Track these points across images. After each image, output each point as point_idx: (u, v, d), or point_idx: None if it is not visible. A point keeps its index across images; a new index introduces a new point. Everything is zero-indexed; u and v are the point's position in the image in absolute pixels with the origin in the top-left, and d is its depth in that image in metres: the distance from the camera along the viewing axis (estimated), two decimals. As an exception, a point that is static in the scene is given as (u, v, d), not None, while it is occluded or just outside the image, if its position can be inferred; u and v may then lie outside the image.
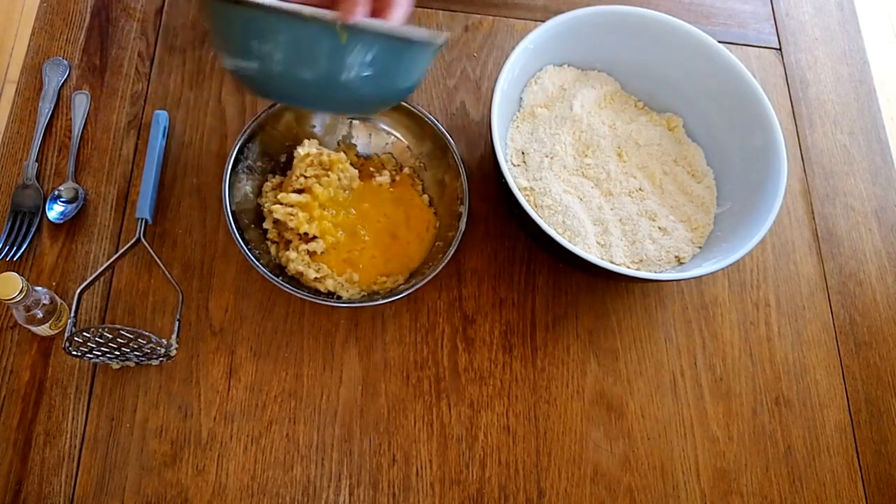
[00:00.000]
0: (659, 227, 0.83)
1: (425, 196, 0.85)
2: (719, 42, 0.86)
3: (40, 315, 0.71)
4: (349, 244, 0.81)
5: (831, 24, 1.09)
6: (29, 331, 0.75)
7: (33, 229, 0.79)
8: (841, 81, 1.04)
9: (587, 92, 0.89)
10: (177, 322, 0.73)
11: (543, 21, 0.84)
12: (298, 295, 0.74)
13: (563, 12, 0.85)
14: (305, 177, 0.81)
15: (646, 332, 0.85)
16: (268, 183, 0.83)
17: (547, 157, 0.84)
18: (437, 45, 0.59)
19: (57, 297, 0.74)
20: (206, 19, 0.71)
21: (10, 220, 0.79)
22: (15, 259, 0.78)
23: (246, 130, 0.79)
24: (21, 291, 0.66)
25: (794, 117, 1.01)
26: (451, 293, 0.83)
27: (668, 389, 0.83)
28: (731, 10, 1.07)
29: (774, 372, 0.85)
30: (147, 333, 0.68)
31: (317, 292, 0.78)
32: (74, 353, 0.70)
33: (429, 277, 0.76)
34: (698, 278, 0.88)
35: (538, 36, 0.83)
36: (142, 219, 0.79)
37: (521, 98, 0.88)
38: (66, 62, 0.87)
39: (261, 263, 0.74)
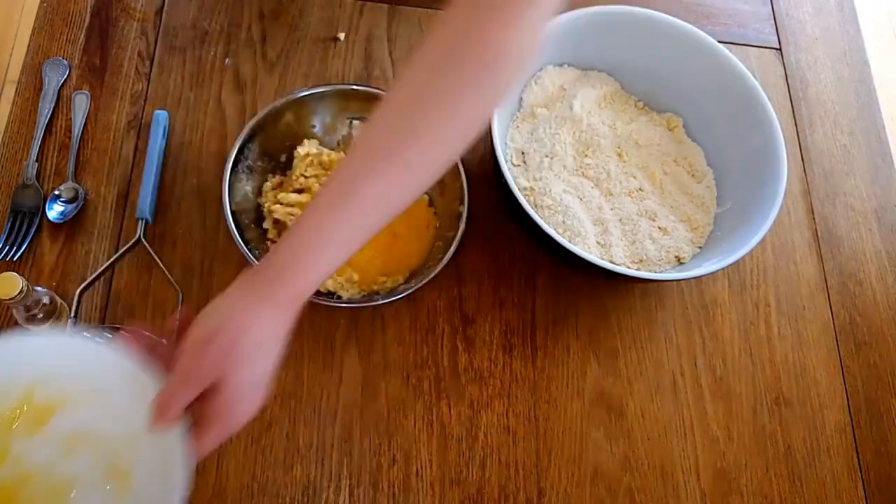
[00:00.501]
0: (659, 227, 0.83)
1: (425, 196, 0.85)
2: (719, 42, 0.86)
3: (40, 315, 0.71)
4: None
5: (831, 24, 1.08)
6: (29, 331, 0.75)
7: (33, 229, 0.79)
8: (841, 81, 1.04)
9: (587, 92, 0.89)
10: (177, 322, 0.73)
11: (543, 21, 0.84)
12: None
13: (563, 12, 0.84)
14: (305, 176, 0.81)
15: (646, 332, 0.85)
16: (268, 183, 0.83)
17: (547, 157, 0.84)
18: None
19: (57, 297, 0.74)
20: None
21: (10, 220, 0.79)
22: (15, 259, 0.78)
23: (246, 130, 0.79)
24: (21, 291, 0.66)
25: (794, 117, 1.00)
26: (451, 293, 0.83)
27: (668, 389, 0.83)
28: (731, 10, 1.07)
29: (774, 372, 0.85)
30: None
31: (317, 292, 0.78)
32: (74, 353, 0.70)
33: (429, 277, 0.76)
34: (698, 278, 0.88)
35: (538, 36, 0.83)
36: (142, 219, 0.79)
37: (521, 98, 0.88)
38: (66, 62, 0.87)
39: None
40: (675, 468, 0.79)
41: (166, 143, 0.85)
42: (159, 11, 0.92)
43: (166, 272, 0.75)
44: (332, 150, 0.85)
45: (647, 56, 0.89)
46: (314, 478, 0.74)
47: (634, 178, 0.85)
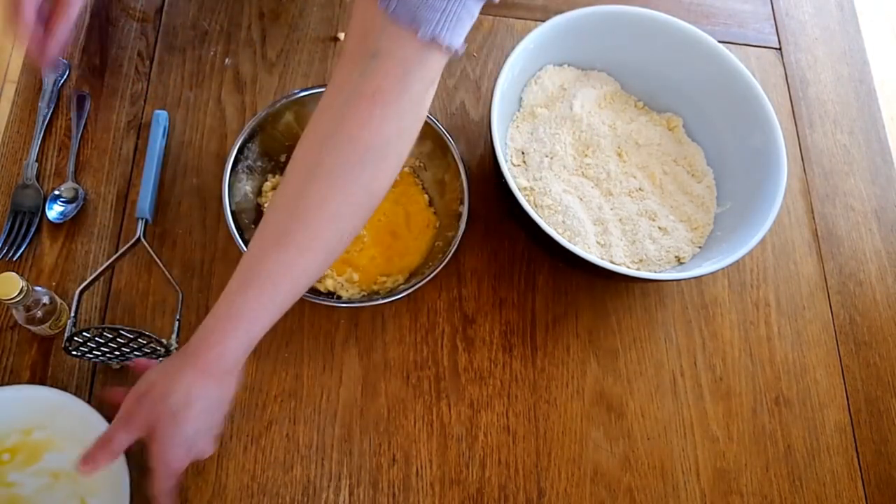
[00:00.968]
0: (659, 227, 0.83)
1: (425, 196, 0.85)
2: (719, 42, 0.86)
3: (40, 315, 0.71)
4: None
5: (831, 24, 1.09)
6: (29, 331, 0.75)
7: (33, 229, 0.79)
8: (841, 81, 1.04)
9: (587, 92, 0.89)
10: (177, 322, 0.73)
11: (543, 21, 0.84)
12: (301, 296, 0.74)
13: (563, 12, 0.84)
14: None
15: (646, 332, 0.85)
16: (268, 183, 0.83)
17: (547, 156, 0.84)
18: None
19: (57, 297, 0.74)
20: None
21: (10, 220, 0.79)
22: (15, 259, 0.78)
23: (246, 130, 0.79)
24: (21, 291, 0.66)
25: (794, 117, 1.00)
26: (451, 293, 0.83)
27: (668, 389, 0.83)
28: (731, 10, 1.07)
29: (774, 372, 0.85)
30: (147, 333, 0.68)
31: (316, 292, 0.78)
32: (74, 353, 0.70)
33: (428, 277, 0.76)
34: (698, 278, 0.88)
35: (538, 36, 0.83)
36: (142, 219, 0.79)
37: (521, 98, 0.88)
38: (65, 62, 0.87)
39: None
40: (675, 468, 0.79)
41: (166, 143, 0.85)
42: (159, 11, 0.92)
43: (166, 272, 0.75)
44: None
45: (647, 56, 0.89)
46: (314, 478, 0.74)
47: (634, 177, 0.85)
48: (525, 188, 0.82)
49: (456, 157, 0.81)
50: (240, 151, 0.79)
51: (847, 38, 1.08)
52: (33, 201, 0.80)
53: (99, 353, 0.71)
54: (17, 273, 0.66)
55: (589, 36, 0.88)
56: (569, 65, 0.91)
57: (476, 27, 0.98)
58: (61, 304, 0.74)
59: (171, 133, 0.86)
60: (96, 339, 0.69)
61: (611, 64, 0.91)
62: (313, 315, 0.80)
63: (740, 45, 1.04)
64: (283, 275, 0.60)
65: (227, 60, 0.91)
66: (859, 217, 0.95)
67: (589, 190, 0.83)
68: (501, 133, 0.82)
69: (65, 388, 0.72)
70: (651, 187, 0.86)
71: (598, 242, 0.81)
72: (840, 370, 0.87)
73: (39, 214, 0.80)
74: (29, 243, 0.79)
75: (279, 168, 0.84)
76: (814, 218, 0.94)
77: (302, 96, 0.82)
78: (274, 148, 0.83)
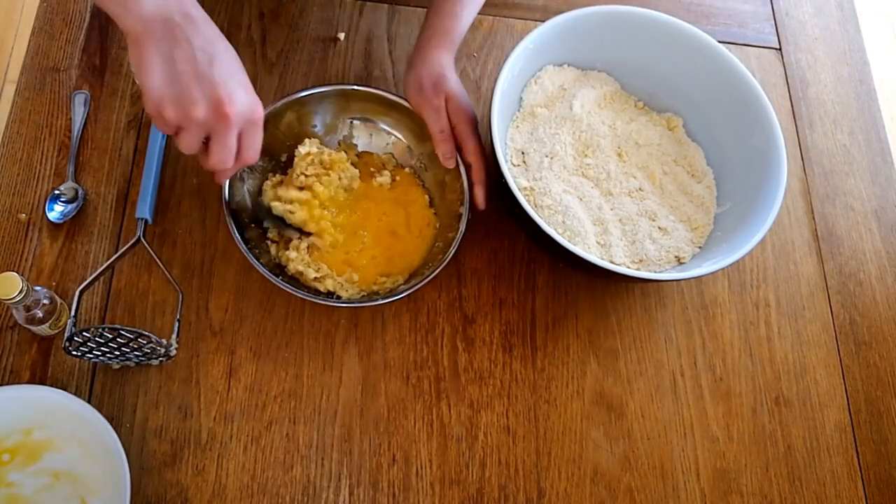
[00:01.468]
0: (659, 227, 0.83)
1: (426, 196, 0.85)
2: (719, 42, 0.86)
3: (40, 315, 0.71)
4: (348, 244, 0.81)
5: (831, 24, 1.09)
6: (29, 331, 0.75)
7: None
8: (841, 81, 1.04)
9: (587, 92, 0.89)
10: (177, 322, 0.73)
11: (543, 21, 0.84)
12: (298, 294, 0.74)
13: (563, 12, 0.84)
14: (306, 175, 0.81)
15: (646, 332, 0.85)
16: (268, 182, 0.83)
17: (547, 157, 0.84)
18: None
19: (57, 297, 0.74)
20: None
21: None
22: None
23: (246, 130, 0.79)
24: (21, 291, 0.66)
25: (794, 117, 1.01)
26: (451, 293, 0.83)
27: (668, 389, 0.83)
28: (731, 10, 1.07)
29: (774, 372, 0.85)
30: (147, 333, 0.68)
31: (317, 292, 0.78)
32: (74, 353, 0.70)
33: (429, 278, 0.76)
34: (698, 278, 0.88)
35: (538, 36, 0.83)
36: (142, 219, 0.79)
37: (521, 98, 0.88)
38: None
39: (261, 263, 0.74)
40: (674, 468, 0.79)
41: (166, 143, 0.84)
42: (159, 11, 0.92)
43: (166, 272, 0.75)
44: (333, 149, 0.85)
45: (647, 56, 0.89)
46: (314, 478, 0.74)
47: (634, 178, 0.85)
48: (525, 188, 0.82)
49: (457, 157, 0.81)
50: (240, 151, 0.79)
51: (847, 38, 1.08)
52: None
53: (99, 353, 0.71)
54: (17, 273, 0.67)
55: (589, 36, 0.88)
56: (569, 65, 0.91)
57: (476, 27, 0.98)
58: (61, 304, 0.74)
59: (171, 133, 0.86)
60: (96, 339, 0.69)
61: (611, 64, 0.91)
62: (313, 315, 0.80)
63: (740, 45, 1.04)
64: None
65: None
66: (859, 217, 0.95)
67: (589, 190, 0.83)
68: (501, 133, 0.82)
69: (65, 388, 0.72)
70: (651, 187, 0.86)
71: (598, 242, 0.81)
72: (840, 370, 0.87)
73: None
74: (29, 243, 0.79)
75: (279, 167, 0.84)
76: (814, 218, 0.94)
77: (302, 96, 0.82)
78: (275, 147, 0.83)
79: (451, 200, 0.82)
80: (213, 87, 0.57)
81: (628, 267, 0.80)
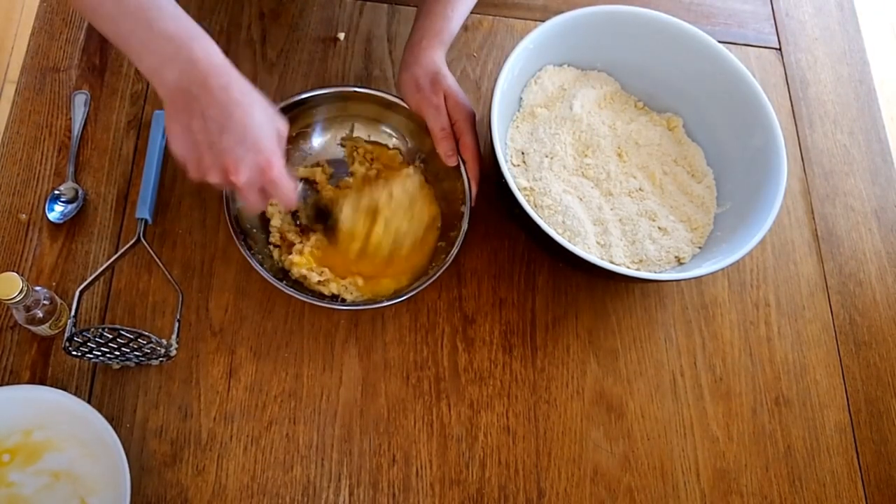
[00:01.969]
0: (659, 227, 0.83)
1: (431, 197, 0.84)
2: (719, 42, 0.86)
3: (40, 315, 0.71)
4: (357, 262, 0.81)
5: (831, 24, 1.09)
6: (29, 331, 0.75)
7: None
8: (841, 81, 1.04)
9: (587, 92, 0.89)
10: (177, 322, 0.73)
11: (543, 21, 0.84)
12: (301, 298, 0.74)
13: (563, 12, 0.84)
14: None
15: (646, 332, 0.85)
16: None
17: (547, 157, 0.84)
18: None
19: (57, 297, 0.74)
20: None
21: None
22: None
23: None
24: (21, 291, 0.66)
25: (794, 117, 1.01)
26: (451, 293, 0.83)
27: (668, 389, 0.83)
28: (731, 10, 1.07)
29: (774, 372, 0.85)
30: (147, 333, 0.68)
31: (321, 295, 0.78)
32: (74, 353, 0.70)
33: (432, 279, 0.76)
34: (698, 278, 0.88)
35: (538, 36, 0.83)
36: (142, 219, 0.79)
37: (521, 98, 0.88)
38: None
39: (264, 268, 0.74)
40: (674, 468, 0.79)
41: (166, 143, 0.84)
42: (159, 11, 0.92)
43: (166, 272, 0.75)
44: (337, 144, 0.85)
45: (647, 56, 0.89)
46: (314, 478, 0.74)
47: (634, 178, 0.85)
48: (525, 188, 0.82)
49: (459, 156, 0.81)
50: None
51: (847, 38, 1.08)
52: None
53: (99, 353, 0.71)
54: (17, 273, 0.67)
55: (589, 36, 0.88)
56: (569, 65, 0.91)
57: (476, 27, 0.98)
58: (61, 304, 0.74)
59: (171, 133, 0.86)
60: (96, 339, 0.69)
61: (611, 64, 0.91)
62: (313, 315, 0.80)
63: (740, 45, 1.04)
64: None
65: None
66: (859, 217, 0.95)
67: (589, 190, 0.83)
68: (501, 133, 0.82)
69: (65, 388, 0.72)
70: (651, 188, 0.86)
71: (598, 243, 0.81)
72: (840, 370, 0.87)
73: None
74: (29, 243, 0.79)
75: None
76: (814, 218, 0.94)
77: (303, 98, 0.81)
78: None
79: (453, 200, 0.82)
80: (222, 155, 0.61)
81: (628, 267, 0.80)
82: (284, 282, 0.76)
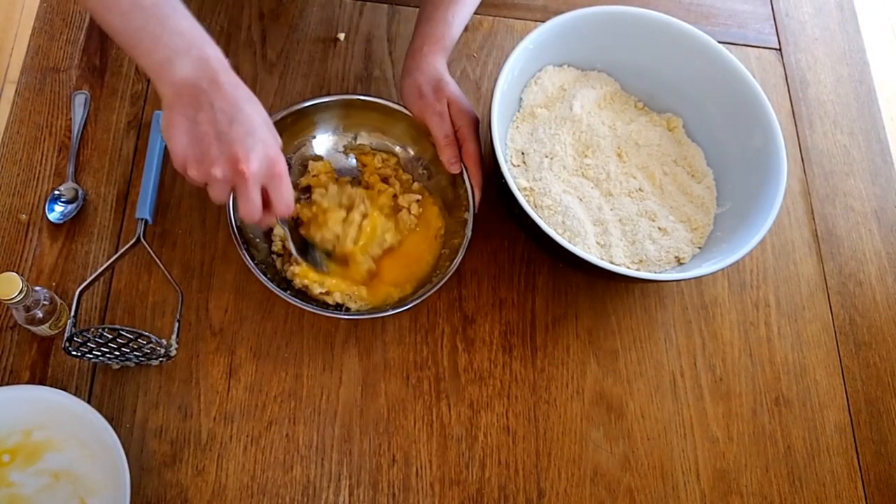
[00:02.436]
0: (659, 228, 0.83)
1: (436, 207, 0.84)
2: (719, 42, 0.86)
3: (40, 315, 0.71)
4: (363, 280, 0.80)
5: (831, 24, 1.09)
6: (29, 331, 0.75)
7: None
8: (841, 81, 1.04)
9: (587, 92, 0.89)
10: (177, 322, 0.73)
11: (543, 21, 0.84)
12: (306, 308, 0.74)
13: (563, 12, 0.84)
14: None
15: (646, 333, 0.85)
16: None
17: (547, 157, 0.84)
18: None
19: (57, 297, 0.74)
20: None
21: None
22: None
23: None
24: (21, 291, 0.66)
25: (794, 117, 1.01)
26: (451, 293, 0.83)
27: (668, 389, 0.83)
28: (731, 10, 1.07)
29: (774, 372, 0.85)
30: (147, 333, 0.68)
31: (325, 305, 0.78)
32: (74, 353, 0.70)
33: (436, 287, 0.75)
34: (698, 278, 0.88)
35: (538, 36, 0.83)
36: (142, 219, 0.79)
37: (520, 98, 0.88)
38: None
39: (266, 277, 0.74)
40: (674, 468, 0.79)
41: (166, 143, 0.84)
42: (159, 11, 0.92)
43: (166, 272, 0.75)
44: (340, 152, 0.85)
45: (647, 56, 0.89)
46: (314, 478, 0.74)
47: (634, 178, 0.85)
48: (525, 188, 0.82)
49: (462, 163, 0.80)
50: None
51: (847, 39, 1.08)
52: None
53: (99, 354, 0.71)
54: (17, 273, 0.67)
55: (589, 36, 0.88)
56: (569, 65, 0.91)
57: (476, 27, 0.98)
58: (61, 304, 0.74)
59: (171, 133, 0.86)
60: (96, 339, 0.69)
61: (611, 64, 0.91)
62: (313, 316, 0.80)
63: (740, 46, 1.04)
64: None
65: (227, 61, 0.90)
66: (859, 217, 0.95)
67: (589, 190, 0.83)
68: (501, 133, 0.82)
69: (65, 389, 0.72)
70: (651, 188, 0.86)
71: (598, 243, 0.81)
72: (840, 371, 0.87)
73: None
74: (29, 243, 0.79)
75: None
76: (814, 218, 0.94)
77: (304, 107, 0.81)
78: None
79: (456, 207, 0.82)
80: (231, 145, 0.60)
81: (628, 267, 0.80)
82: (288, 291, 0.75)
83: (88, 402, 0.72)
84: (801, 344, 0.87)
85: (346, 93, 0.90)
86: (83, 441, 0.70)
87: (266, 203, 0.65)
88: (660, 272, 0.81)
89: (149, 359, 0.74)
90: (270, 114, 0.78)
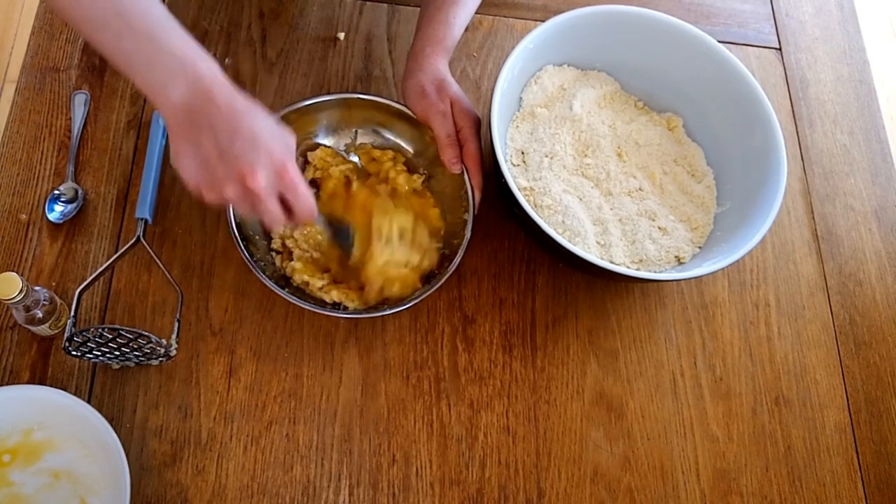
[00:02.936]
0: (659, 227, 0.83)
1: (436, 208, 0.83)
2: (719, 42, 0.86)
3: (40, 315, 0.71)
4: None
5: (831, 24, 1.09)
6: (29, 331, 0.75)
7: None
8: (841, 81, 1.04)
9: (587, 92, 0.89)
10: (176, 322, 0.73)
11: (543, 21, 0.84)
12: (304, 307, 0.74)
13: (563, 12, 0.84)
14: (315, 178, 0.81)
15: (646, 332, 0.85)
16: None
17: (547, 156, 0.84)
18: None
19: (57, 297, 0.74)
20: None
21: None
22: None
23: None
24: (21, 291, 0.66)
25: (794, 117, 1.00)
26: (451, 293, 0.83)
27: (668, 389, 0.83)
28: (731, 10, 1.07)
29: (774, 372, 0.85)
30: (147, 333, 0.68)
31: (322, 303, 0.78)
32: (74, 353, 0.70)
33: (435, 287, 0.75)
34: (698, 278, 0.88)
35: (538, 36, 0.83)
36: (142, 219, 0.79)
37: (520, 98, 0.88)
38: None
39: (266, 275, 0.74)
40: (674, 468, 0.79)
41: (166, 143, 0.84)
42: (159, 11, 0.92)
43: (166, 272, 0.75)
44: (341, 151, 0.84)
45: (647, 56, 0.89)
46: (314, 478, 0.74)
47: (634, 178, 0.85)
48: (525, 188, 0.82)
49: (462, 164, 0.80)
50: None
51: (847, 38, 1.08)
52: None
53: (99, 353, 0.71)
54: (17, 273, 0.67)
55: (589, 36, 0.88)
56: (569, 65, 0.91)
57: (476, 27, 0.98)
58: (61, 304, 0.74)
59: (171, 133, 0.86)
60: (96, 339, 0.69)
61: (611, 64, 0.91)
62: (313, 315, 0.80)
63: (740, 45, 1.04)
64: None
65: (227, 60, 0.91)
66: (859, 217, 0.95)
67: (589, 190, 0.83)
68: (501, 133, 0.82)
69: (65, 388, 0.72)
70: (651, 187, 0.86)
71: (597, 242, 0.81)
72: (840, 370, 0.87)
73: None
74: (29, 243, 0.79)
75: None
76: (814, 218, 0.94)
77: (305, 105, 0.81)
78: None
79: (455, 207, 0.82)
80: (236, 162, 0.59)
81: (628, 267, 0.80)
82: (286, 289, 0.75)
83: (88, 402, 0.72)
84: (801, 344, 0.87)
85: (346, 92, 0.90)
86: (83, 441, 0.70)
87: (288, 209, 0.64)
88: (660, 272, 0.81)
89: (149, 359, 0.74)
90: (270, 114, 0.79)
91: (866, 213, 0.96)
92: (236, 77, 0.90)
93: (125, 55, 0.61)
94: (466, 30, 0.97)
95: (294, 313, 0.80)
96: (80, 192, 0.81)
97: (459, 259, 0.77)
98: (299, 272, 0.78)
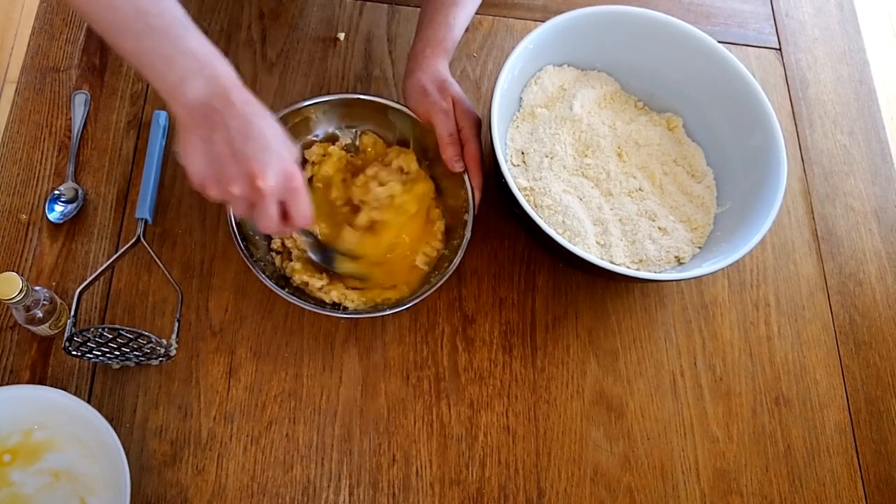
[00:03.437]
0: (659, 227, 0.83)
1: (437, 209, 0.83)
2: (719, 42, 0.86)
3: (40, 315, 0.71)
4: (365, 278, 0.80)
5: (831, 24, 1.09)
6: (29, 331, 0.75)
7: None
8: (841, 81, 1.04)
9: (587, 92, 0.89)
10: (177, 322, 0.73)
11: (543, 21, 0.84)
12: (304, 307, 0.74)
13: (563, 12, 0.85)
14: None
15: (646, 332, 0.85)
16: None
17: (547, 157, 0.84)
18: None
19: (57, 297, 0.74)
20: None
21: None
22: None
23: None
24: (21, 291, 0.66)
25: (794, 117, 1.01)
26: (451, 293, 0.83)
27: (668, 389, 0.83)
28: (731, 10, 1.07)
29: (774, 372, 0.85)
30: (147, 333, 0.68)
31: (322, 303, 0.78)
32: (74, 353, 0.70)
33: (434, 287, 0.75)
34: (698, 278, 0.88)
35: (538, 36, 0.83)
36: (142, 219, 0.79)
37: (520, 98, 0.88)
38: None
39: (265, 275, 0.74)
40: (674, 468, 0.79)
41: (166, 143, 0.84)
42: (159, 11, 0.92)
43: (166, 272, 0.75)
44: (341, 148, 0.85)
45: (647, 56, 0.89)
46: (314, 478, 0.74)
47: (634, 178, 0.85)
48: (525, 188, 0.82)
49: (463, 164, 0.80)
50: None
51: (847, 38, 1.08)
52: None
53: (99, 353, 0.71)
54: (17, 273, 0.67)
55: (589, 36, 0.88)
56: (569, 65, 0.91)
57: (476, 27, 0.98)
58: (61, 304, 0.74)
59: (171, 133, 0.86)
60: (96, 339, 0.69)
61: (611, 64, 0.91)
62: (313, 315, 0.80)
63: (740, 45, 1.04)
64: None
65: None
66: (859, 217, 0.95)
67: (589, 190, 0.83)
68: (501, 133, 0.82)
69: (65, 388, 0.72)
70: (651, 187, 0.86)
71: (598, 242, 0.81)
72: (840, 370, 0.87)
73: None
74: (29, 243, 0.79)
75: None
76: (814, 218, 0.94)
77: (304, 106, 0.81)
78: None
79: (455, 207, 0.82)
80: (248, 162, 0.60)
81: (628, 267, 0.80)
82: (286, 289, 0.75)
83: (88, 401, 0.72)
84: (801, 344, 0.87)
85: (346, 92, 0.90)
86: (83, 441, 0.70)
87: (285, 215, 0.64)
88: (660, 272, 0.81)
89: (149, 358, 0.74)
90: (270, 113, 0.79)
91: (866, 213, 0.96)
92: (236, 77, 0.90)
93: (144, 56, 0.62)
94: (466, 30, 0.97)
95: (294, 313, 0.80)
96: (80, 192, 0.81)
97: (459, 259, 0.77)
98: (299, 272, 0.78)
